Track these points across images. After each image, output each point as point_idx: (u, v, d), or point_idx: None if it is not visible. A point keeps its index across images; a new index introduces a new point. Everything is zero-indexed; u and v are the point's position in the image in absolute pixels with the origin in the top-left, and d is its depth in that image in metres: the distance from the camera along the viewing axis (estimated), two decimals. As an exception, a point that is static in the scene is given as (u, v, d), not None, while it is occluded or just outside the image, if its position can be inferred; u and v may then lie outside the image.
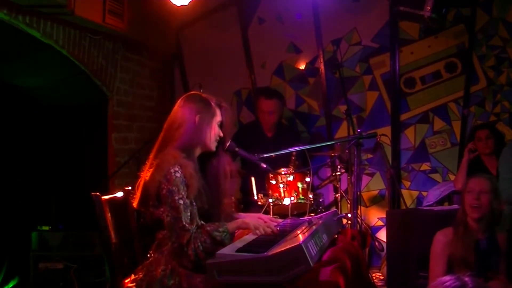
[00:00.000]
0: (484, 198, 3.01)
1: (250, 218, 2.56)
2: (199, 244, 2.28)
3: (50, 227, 4.31)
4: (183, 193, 2.33)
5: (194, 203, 2.39)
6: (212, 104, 2.53)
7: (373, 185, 5.21)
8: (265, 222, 2.59)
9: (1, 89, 4.27)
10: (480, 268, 2.94)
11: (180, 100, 2.56)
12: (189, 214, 2.32)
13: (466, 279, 1.57)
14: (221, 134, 2.56)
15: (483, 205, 3.00)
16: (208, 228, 2.32)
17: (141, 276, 2.39)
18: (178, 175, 2.33)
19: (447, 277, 1.59)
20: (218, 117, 2.54)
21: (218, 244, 2.29)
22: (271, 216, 3.59)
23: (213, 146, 2.53)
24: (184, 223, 2.29)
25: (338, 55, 5.12)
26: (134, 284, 2.40)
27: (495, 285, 2.80)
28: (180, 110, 2.51)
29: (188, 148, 2.46)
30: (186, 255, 2.28)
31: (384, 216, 4.35)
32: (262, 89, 5.06)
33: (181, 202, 2.31)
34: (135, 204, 2.47)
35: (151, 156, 2.48)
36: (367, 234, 4.37)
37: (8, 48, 3.94)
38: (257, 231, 2.44)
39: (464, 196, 3.08)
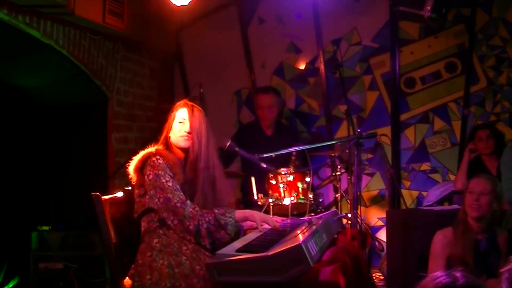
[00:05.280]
0: (484, 199, 3.01)
1: (257, 214, 2.58)
2: (204, 222, 2.36)
3: (50, 227, 4.30)
4: (169, 177, 2.44)
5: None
6: (177, 104, 2.68)
7: (373, 185, 5.21)
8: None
9: (1, 89, 4.27)
10: (479, 268, 2.94)
11: None
12: (179, 193, 2.42)
13: (457, 274, 1.57)
14: (186, 129, 2.60)
15: (482, 205, 3.00)
16: (216, 211, 2.41)
17: (132, 271, 2.45)
18: (161, 161, 2.47)
19: (438, 273, 1.59)
20: (178, 115, 2.64)
21: (221, 228, 2.37)
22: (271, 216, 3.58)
23: (180, 142, 2.60)
24: (177, 199, 2.39)
25: (338, 55, 5.12)
26: (130, 282, 2.44)
27: (493, 285, 2.79)
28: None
29: (167, 145, 2.62)
30: (188, 229, 2.37)
31: (384, 216, 4.35)
32: (259, 87, 5.10)
33: (170, 184, 2.42)
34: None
35: None
36: (367, 234, 4.36)
37: (8, 48, 3.93)
38: (262, 226, 2.50)
39: (465, 196, 3.08)
